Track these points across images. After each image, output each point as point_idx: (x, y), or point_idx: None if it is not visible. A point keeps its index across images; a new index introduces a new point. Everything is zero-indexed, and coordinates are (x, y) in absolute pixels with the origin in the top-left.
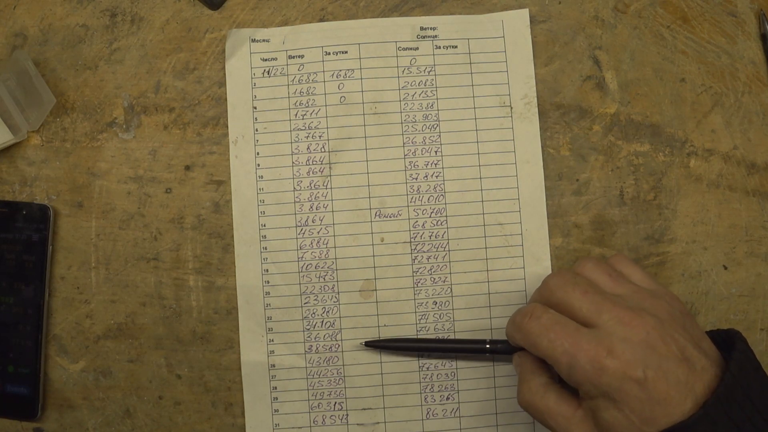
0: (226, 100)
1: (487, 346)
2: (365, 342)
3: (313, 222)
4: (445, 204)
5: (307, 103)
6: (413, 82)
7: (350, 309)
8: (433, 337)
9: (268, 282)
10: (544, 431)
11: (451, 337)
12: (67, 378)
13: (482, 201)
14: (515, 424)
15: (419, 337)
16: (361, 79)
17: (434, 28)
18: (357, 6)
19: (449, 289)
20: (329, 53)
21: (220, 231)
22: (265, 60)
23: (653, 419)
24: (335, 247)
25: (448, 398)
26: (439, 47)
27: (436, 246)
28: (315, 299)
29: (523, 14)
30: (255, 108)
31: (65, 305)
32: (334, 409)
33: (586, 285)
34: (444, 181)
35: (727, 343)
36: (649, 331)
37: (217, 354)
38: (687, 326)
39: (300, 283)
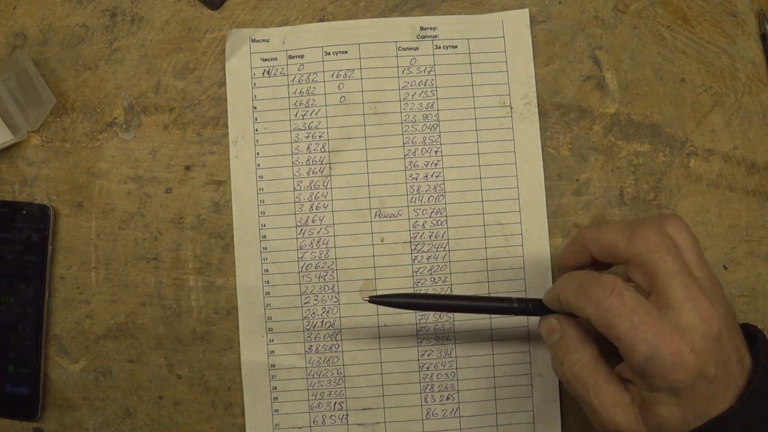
0: (226, 100)
1: (515, 305)
2: (370, 298)
3: (313, 222)
4: (445, 204)
5: (307, 103)
6: (413, 82)
7: (350, 309)
8: (433, 336)
9: (268, 282)
10: (544, 430)
11: (450, 337)
12: (67, 378)
13: (482, 201)
14: (515, 424)
15: (431, 293)
16: (361, 79)
17: (434, 28)
18: (357, 6)
19: (449, 289)
20: (329, 53)
21: (220, 231)
22: (265, 60)
23: (705, 415)
24: (335, 247)
25: (448, 398)
26: (439, 47)
27: (436, 246)
28: (315, 299)
29: (523, 14)
30: (255, 108)
31: (65, 305)
32: (334, 409)
33: (681, 260)
34: (444, 181)
35: (747, 336)
36: (721, 329)
37: (217, 354)
38: (736, 322)
39: (300, 283)
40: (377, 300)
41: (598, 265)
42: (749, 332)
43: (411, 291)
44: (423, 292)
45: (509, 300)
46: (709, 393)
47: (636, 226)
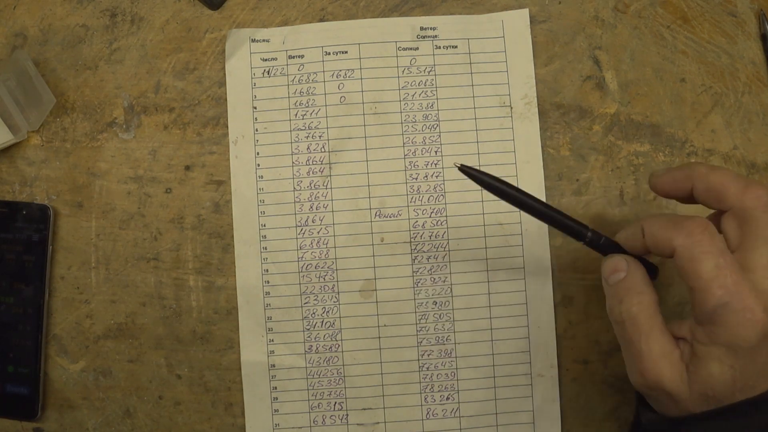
0: (226, 100)
1: (589, 234)
2: (461, 165)
3: (313, 222)
4: (445, 204)
5: (307, 103)
6: (413, 82)
7: (350, 309)
8: (433, 336)
9: (268, 282)
10: (544, 430)
11: (451, 337)
12: (67, 378)
13: (482, 201)
14: (515, 424)
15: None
16: (361, 79)
17: (434, 28)
18: (357, 6)
19: (449, 289)
20: (329, 53)
21: (220, 231)
22: (265, 60)
23: (752, 389)
24: (335, 247)
25: (448, 398)
26: (439, 47)
27: (436, 246)
28: (315, 299)
29: (523, 14)
30: (255, 108)
31: (65, 305)
32: (334, 409)
33: None
34: (444, 181)
35: None
36: None
37: (217, 354)
38: None
39: (300, 283)
40: (467, 169)
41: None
42: None
43: (411, 291)
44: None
45: (585, 227)
46: (764, 361)
47: (751, 182)
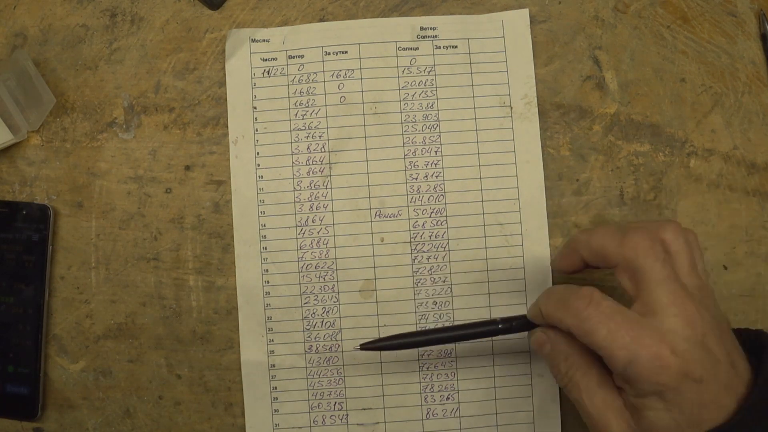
0: (226, 100)
1: (500, 326)
2: (360, 345)
3: (313, 222)
4: (445, 204)
5: (307, 103)
6: (413, 82)
7: (350, 309)
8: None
9: (268, 282)
10: (544, 430)
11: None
12: (67, 378)
13: (482, 201)
14: (515, 424)
15: (419, 329)
16: (361, 79)
17: (434, 28)
18: (357, 6)
19: (449, 289)
20: (329, 53)
21: (220, 231)
22: (265, 60)
23: (699, 422)
24: (335, 247)
25: (448, 398)
26: (439, 47)
27: (436, 246)
28: (315, 299)
29: (523, 14)
30: (255, 108)
31: (65, 305)
32: (334, 409)
33: (671, 267)
34: (444, 181)
35: (755, 344)
36: (706, 333)
37: (217, 354)
38: (728, 330)
39: (300, 283)
40: (369, 347)
41: (593, 269)
42: (759, 339)
43: (411, 291)
44: (415, 330)
45: (493, 322)
46: (697, 396)
47: (628, 231)
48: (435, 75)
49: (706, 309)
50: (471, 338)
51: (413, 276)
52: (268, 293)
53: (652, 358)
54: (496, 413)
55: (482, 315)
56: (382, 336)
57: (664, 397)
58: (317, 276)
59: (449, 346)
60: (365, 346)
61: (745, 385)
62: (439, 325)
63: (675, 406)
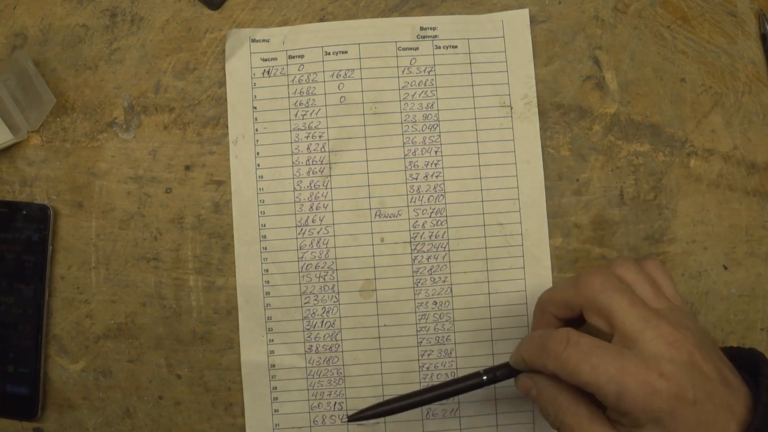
0: (226, 100)
1: (485, 378)
2: (348, 417)
3: (313, 222)
4: (445, 204)
5: (307, 103)
6: (413, 82)
7: (350, 309)
8: (433, 336)
9: (268, 282)
10: (545, 430)
11: (451, 337)
12: (67, 378)
13: (482, 201)
14: (515, 424)
15: (403, 394)
16: (361, 79)
17: (434, 28)
18: (357, 6)
19: (449, 289)
20: (329, 53)
21: (220, 231)
22: (265, 60)
23: None
24: (335, 247)
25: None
26: (439, 47)
27: (436, 246)
28: (315, 299)
29: (523, 14)
30: (255, 108)
31: (65, 305)
32: (334, 409)
33: (631, 295)
34: (444, 181)
35: (747, 363)
36: (692, 351)
37: (217, 354)
38: (715, 346)
39: (300, 283)
40: (356, 418)
41: (568, 322)
42: (751, 358)
43: (411, 291)
44: (395, 396)
45: (477, 375)
46: (695, 418)
47: (580, 275)
48: (435, 75)
49: (685, 328)
50: (456, 394)
51: (413, 276)
52: (268, 293)
53: (641, 386)
54: (496, 413)
55: (482, 315)
56: (381, 336)
57: (661, 423)
58: (317, 276)
59: (450, 345)
60: (352, 418)
61: (743, 405)
62: (440, 326)
63: (673, 430)
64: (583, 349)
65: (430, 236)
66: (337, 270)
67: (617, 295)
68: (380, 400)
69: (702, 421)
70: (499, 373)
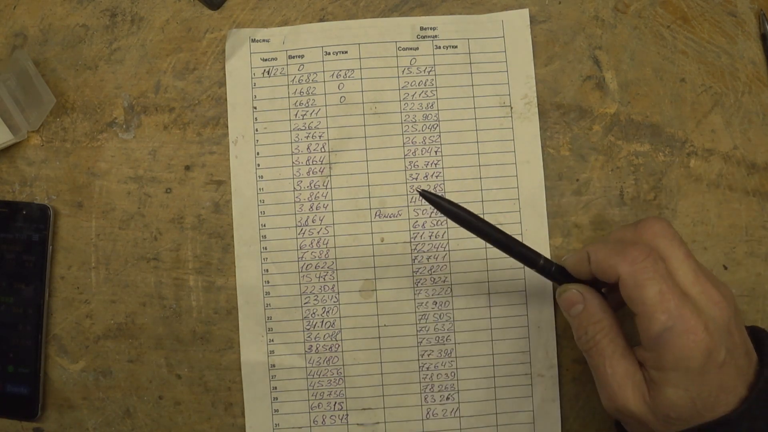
0: (226, 100)
1: (541, 262)
2: (421, 191)
3: (313, 222)
4: None
5: (307, 103)
6: (413, 82)
7: (350, 309)
8: (433, 336)
9: (268, 282)
10: (544, 430)
11: (451, 337)
12: (67, 378)
13: (482, 201)
14: (515, 424)
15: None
16: (361, 79)
17: (434, 28)
18: (357, 6)
19: (449, 289)
20: (329, 53)
21: (220, 231)
22: (265, 60)
23: (713, 406)
24: (335, 247)
25: (448, 398)
26: (439, 47)
27: (436, 246)
28: (315, 299)
29: (523, 14)
30: (255, 108)
31: (65, 305)
32: (334, 409)
33: (687, 249)
34: (444, 181)
35: (753, 338)
36: (730, 316)
37: (217, 354)
38: (741, 317)
39: (300, 283)
40: (426, 194)
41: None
42: (756, 334)
43: (411, 291)
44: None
45: (537, 255)
46: (717, 379)
47: (641, 220)
48: (435, 75)
49: (725, 293)
50: (510, 254)
51: (413, 276)
52: (268, 293)
53: (687, 331)
54: (496, 413)
55: (482, 315)
56: (381, 336)
57: (687, 374)
58: (317, 276)
59: (450, 345)
60: (424, 193)
61: (753, 372)
62: (440, 326)
63: (696, 386)
64: (659, 270)
65: (430, 236)
66: (337, 270)
67: (676, 243)
68: (380, 400)
69: (722, 383)
70: (554, 269)
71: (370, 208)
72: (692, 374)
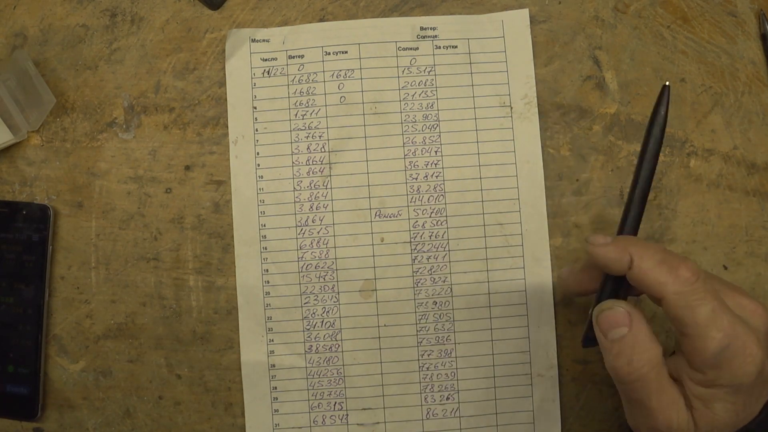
0: (226, 100)
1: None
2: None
3: (313, 222)
4: (445, 204)
5: (307, 103)
6: (413, 82)
7: (350, 309)
8: (433, 336)
9: (268, 282)
10: (544, 430)
11: (451, 337)
12: (67, 378)
13: (482, 201)
14: (515, 424)
15: None
16: (361, 79)
17: (434, 28)
18: (357, 6)
19: (449, 289)
20: (329, 53)
21: (220, 231)
22: (265, 60)
23: (750, 414)
24: (335, 247)
25: (448, 398)
26: (439, 47)
27: (436, 246)
28: (315, 299)
29: (523, 14)
30: (255, 108)
31: (65, 305)
32: (334, 409)
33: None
34: (444, 181)
35: None
36: (766, 324)
37: (217, 354)
38: None
39: (300, 283)
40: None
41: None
42: None
43: (411, 291)
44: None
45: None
46: (758, 390)
47: (677, 263)
48: (435, 75)
49: (758, 304)
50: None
51: (413, 276)
52: (268, 293)
53: (744, 347)
54: (496, 413)
55: (482, 315)
56: (381, 336)
57: (739, 389)
58: (317, 276)
59: (450, 345)
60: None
61: None
62: (440, 326)
63: (744, 399)
64: (709, 289)
65: (430, 236)
66: (337, 270)
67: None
68: (380, 400)
69: (760, 393)
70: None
71: (370, 208)
72: (743, 389)
